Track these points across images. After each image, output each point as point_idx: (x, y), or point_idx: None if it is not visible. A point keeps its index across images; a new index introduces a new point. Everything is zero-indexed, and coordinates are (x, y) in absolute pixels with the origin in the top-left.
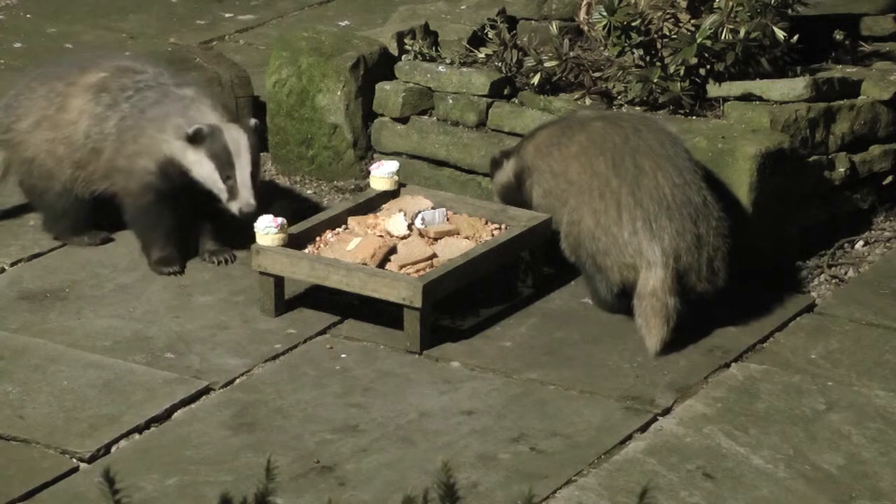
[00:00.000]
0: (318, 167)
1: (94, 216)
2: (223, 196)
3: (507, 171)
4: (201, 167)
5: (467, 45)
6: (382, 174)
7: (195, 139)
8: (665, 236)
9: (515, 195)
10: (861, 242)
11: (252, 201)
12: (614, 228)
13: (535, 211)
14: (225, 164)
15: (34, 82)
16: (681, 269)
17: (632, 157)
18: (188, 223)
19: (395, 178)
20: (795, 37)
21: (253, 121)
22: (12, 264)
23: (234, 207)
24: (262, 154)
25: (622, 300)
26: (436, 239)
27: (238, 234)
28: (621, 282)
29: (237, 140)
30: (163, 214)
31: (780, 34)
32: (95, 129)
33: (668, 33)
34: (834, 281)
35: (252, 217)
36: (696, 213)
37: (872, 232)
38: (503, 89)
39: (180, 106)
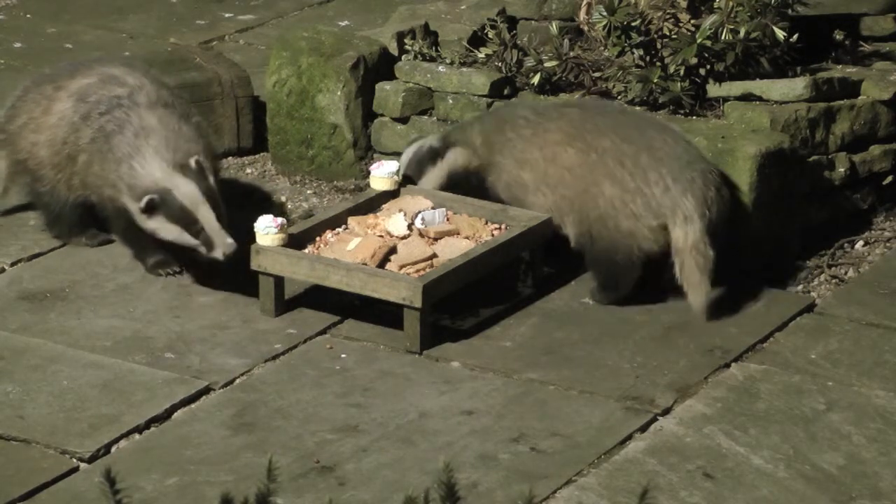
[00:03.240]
0: (318, 167)
1: (94, 217)
2: (201, 249)
3: (453, 164)
4: (166, 232)
5: (467, 45)
6: (382, 174)
7: (149, 209)
8: (696, 188)
9: (465, 190)
10: (861, 242)
11: (230, 240)
12: (645, 189)
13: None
14: (189, 223)
15: (31, 83)
16: (712, 218)
17: (635, 128)
18: None
19: (395, 178)
20: (795, 37)
21: (193, 160)
22: (12, 264)
23: (217, 254)
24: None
25: (636, 278)
26: (436, 239)
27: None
28: (650, 248)
29: (190, 194)
30: (143, 232)
31: (780, 34)
32: (71, 137)
33: (668, 33)
34: (834, 281)
35: (236, 256)
36: (707, 166)
37: (872, 232)
38: (503, 89)
39: (130, 148)
